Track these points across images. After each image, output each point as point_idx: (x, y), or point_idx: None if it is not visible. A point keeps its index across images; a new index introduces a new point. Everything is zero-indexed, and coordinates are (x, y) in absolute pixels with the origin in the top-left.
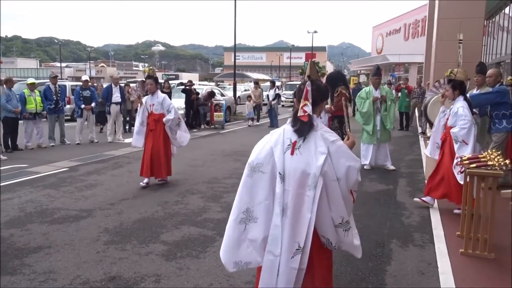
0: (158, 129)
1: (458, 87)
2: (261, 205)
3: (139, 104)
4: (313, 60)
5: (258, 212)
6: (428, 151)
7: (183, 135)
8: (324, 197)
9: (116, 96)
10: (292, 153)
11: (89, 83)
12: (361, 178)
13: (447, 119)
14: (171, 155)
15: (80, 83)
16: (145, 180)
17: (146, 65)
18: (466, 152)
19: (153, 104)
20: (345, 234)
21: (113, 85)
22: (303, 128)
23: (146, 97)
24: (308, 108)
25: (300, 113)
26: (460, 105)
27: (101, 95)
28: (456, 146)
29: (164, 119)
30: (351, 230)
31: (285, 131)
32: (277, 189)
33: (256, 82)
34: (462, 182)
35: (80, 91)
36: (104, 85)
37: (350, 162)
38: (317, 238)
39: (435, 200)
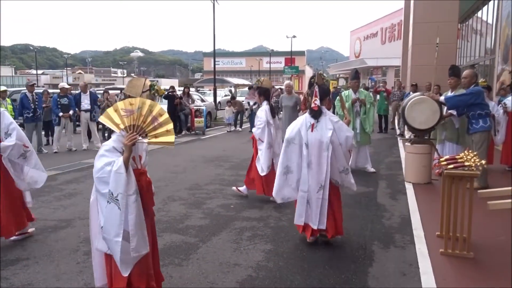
0: None
1: (263, 94)
2: (295, 163)
3: None
4: (319, 72)
5: (293, 167)
6: None
7: (34, 174)
8: (333, 155)
9: (85, 103)
10: (312, 131)
11: (67, 91)
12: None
13: None
14: (18, 199)
15: (58, 91)
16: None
17: (125, 71)
18: (262, 147)
19: None
20: (346, 177)
21: (82, 92)
22: (316, 114)
23: None
24: (317, 102)
25: (312, 105)
26: (261, 109)
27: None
28: (258, 143)
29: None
30: (349, 174)
31: (306, 118)
32: (304, 152)
33: (233, 98)
34: (262, 174)
35: (58, 99)
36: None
37: (347, 133)
38: (330, 180)
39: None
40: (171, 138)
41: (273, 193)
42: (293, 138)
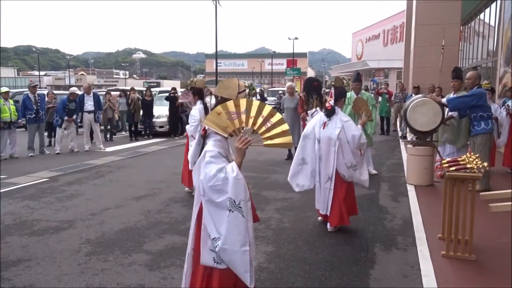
0: None
1: (197, 93)
2: (309, 155)
3: None
4: (339, 76)
5: (308, 159)
6: None
7: None
8: (340, 151)
9: (89, 105)
10: (324, 128)
11: (77, 96)
12: None
13: None
14: None
15: (62, 92)
16: None
17: (127, 72)
18: (193, 143)
19: None
20: (354, 173)
21: (85, 94)
22: (329, 113)
23: None
24: (332, 102)
25: (327, 105)
26: (195, 107)
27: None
28: (190, 139)
29: None
30: (358, 170)
31: (321, 116)
32: (316, 147)
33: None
34: (191, 168)
35: (67, 103)
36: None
37: (354, 132)
38: (337, 173)
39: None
40: (288, 138)
41: (288, 178)
42: (308, 134)
